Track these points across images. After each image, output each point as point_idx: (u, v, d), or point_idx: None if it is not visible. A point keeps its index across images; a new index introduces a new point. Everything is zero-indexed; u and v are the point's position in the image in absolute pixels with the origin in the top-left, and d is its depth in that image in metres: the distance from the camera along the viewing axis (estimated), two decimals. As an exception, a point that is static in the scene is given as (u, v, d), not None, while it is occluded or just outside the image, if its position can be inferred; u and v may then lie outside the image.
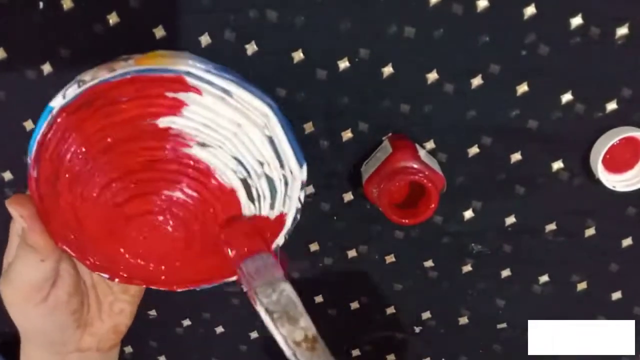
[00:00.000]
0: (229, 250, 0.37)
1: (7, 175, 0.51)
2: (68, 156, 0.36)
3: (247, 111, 0.36)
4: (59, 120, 0.35)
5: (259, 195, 0.38)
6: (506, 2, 0.44)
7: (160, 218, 0.37)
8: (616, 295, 0.56)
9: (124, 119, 0.35)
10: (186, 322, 0.58)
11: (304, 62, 0.47)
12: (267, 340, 0.58)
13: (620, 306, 0.56)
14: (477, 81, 0.47)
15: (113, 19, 0.45)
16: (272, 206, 0.39)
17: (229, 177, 0.37)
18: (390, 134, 0.49)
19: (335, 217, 0.53)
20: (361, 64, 0.47)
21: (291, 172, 0.38)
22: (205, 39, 0.46)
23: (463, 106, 0.48)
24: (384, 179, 0.45)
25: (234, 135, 0.36)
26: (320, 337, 0.33)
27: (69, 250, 0.38)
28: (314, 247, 0.54)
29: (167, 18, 0.45)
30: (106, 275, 0.40)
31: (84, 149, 0.35)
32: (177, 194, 0.36)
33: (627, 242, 0.53)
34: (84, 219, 0.37)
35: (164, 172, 0.36)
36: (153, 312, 0.57)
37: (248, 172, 0.37)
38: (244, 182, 0.37)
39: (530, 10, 0.45)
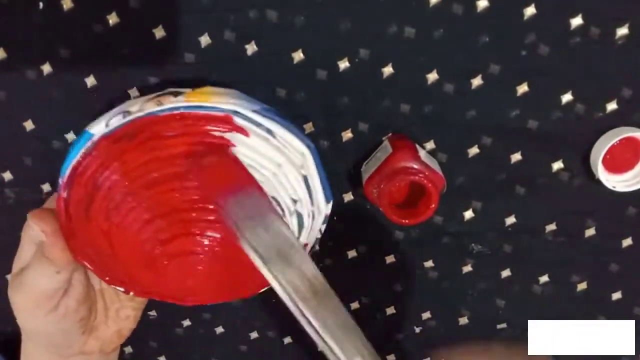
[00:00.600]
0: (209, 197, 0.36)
1: (7, 176, 0.51)
2: (107, 185, 0.35)
3: (287, 151, 0.37)
4: (99, 147, 0.35)
5: None
6: (506, 2, 0.44)
7: (202, 257, 0.37)
8: (616, 295, 0.56)
9: (170, 155, 0.35)
10: (186, 322, 0.58)
11: (304, 62, 0.47)
12: (267, 340, 0.58)
13: (620, 306, 0.56)
14: (477, 81, 0.47)
15: (113, 19, 0.45)
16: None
17: None
18: (390, 134, 0.49)
19: (335, 217, 0.52)
20: (361, 64, 0.47)
21: (318, 207, 0.39)
22: (205, 39, 0.46)
23: (463, 106, 0.48)
24: (384, 179, 0.45)
25: (274, 176, 0.37)
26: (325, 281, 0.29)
27: (89, 266, 0.38)
28: (314, 247, 0.54)
29: (167, 18, 0.45)
30: (122, 289, 0.40)
31: (126, 182, 0.35)
32: (221, 236, 0.36)
33: (627, 242, 0.53)
34: (118, 246, 0.37)
35: (208, 213, 0.36)
36: (153, 312, 0.57)
37: (282, 210, 0.38)
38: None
39: (530, 10, 0.45)
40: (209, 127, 0.35)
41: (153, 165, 0.35)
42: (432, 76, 0.47)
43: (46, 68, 0.47)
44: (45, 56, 0.46)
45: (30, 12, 0.45)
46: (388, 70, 0.47)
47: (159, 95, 0.36)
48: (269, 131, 0.36)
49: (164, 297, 0.41)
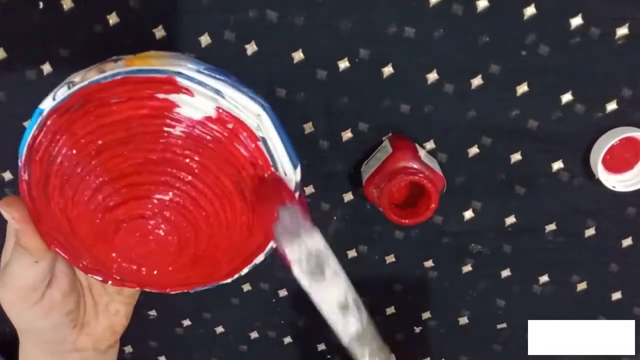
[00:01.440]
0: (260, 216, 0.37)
1: (7, 176, 0.51)
2: (59, 159, 0.35)
3: (239, 112, 0.36)
4: (48, 122, 0.35)
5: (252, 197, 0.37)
6: (506, 2, 0.44)
7: (152, 222, 0.36)
8: (616, 295, 0.56)
9: (115, 121, 0.35)
10: (186, 322, 0.58)
11: (304, 62, 0.47)
12: (267, 340, 0.58)
13: (620, 306, 0.56)
14: (477, 81, 0.47)
15: (113, 19, 0.45)
16: None
17: (221, 180, 0.36)
18: (390, 134, 0.49)
19: (335, 217, 0.52)
20: (361, 64, 0.47)
21: (285, 174, 0.38)
22: (205, 39, 0.46)
23: (463, 106, 0.48)
24: (384, 179, 0.45)
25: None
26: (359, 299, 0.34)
27: (61, 253, 0.38)
28: (314, 247, 0.54)
29: (167, 18, 0.45)
30: (99, 278, 0.40)
31: (74, 151, 0.35)
32: (169, 198, 0.36)
33: (627, 242, 0.53)
34: (75, 223, 0.37)
35: (155, 175, 0.36)
36: (153, 312, 0.57)
37: (240, 174, 0.37)
38: (237, 184, 0.36)
39: (530, 10, 0.45)
40: (151, 91, 0.35)
41: (99, 132, 0.35)
42: (432, 76, 0.47)
43: (46, 68, 0.47)
44: (45, 56, 0.46)
45: (30, 12, 0.45)
46: (388, 70, 0.47)
47: (100, 63, 0.36)
48: (216, 91, 0.35)
49: (128, 281, 0.40)
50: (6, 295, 0.39)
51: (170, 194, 0.36)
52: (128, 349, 0.59)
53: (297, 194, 0.40)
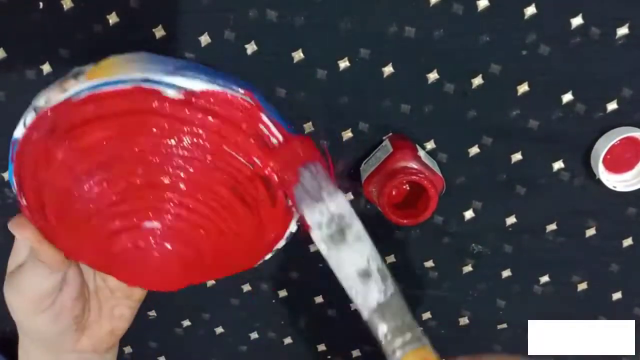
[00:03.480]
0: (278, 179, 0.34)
1: (7, 176, 0.51)
2: (47, 187, 0.33)
3: (220, 109, 0.33)
4: (26, 150, 0.33)
5: (254, 198, 0.34)
6: (506, 2, 0.44)
7: (148, 251, 0.34)
8: (616, 295, 0.56)
9: (88, 145, 0.32)
10: (186, 323, 0.58)
11: (304, 62, 0.47)
12: (267, 340, 0.58)
13: (620, 306, 0.56)
14: (477, 81, 0.47)
15: (113, 19, 0.45)
16: (273, 204, 0.35)
17: (215, 190, 0.33)
18: (390, 134, 0.49)
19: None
20: (361, 64, 0.47)
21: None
22: (205, 39, 0.46)
23: (463, 106, 0.48)
24: (384, 179, 0.45)
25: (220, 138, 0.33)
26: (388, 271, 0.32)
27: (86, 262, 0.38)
28: (313, 247, 0.54)
29: (167, 18, 0.45)
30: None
31: (57, 180, 0.32)
32: (159, 225, 0.33)
33: (627, 242, 0.53)
34: (80, 251, 0.36)
35: (140, 202, 0.32)
36: (153, 313, 0.57)
37: (236, 179, 0.34)
38: (234, 190, 0.34)
39: (530, 10, 0.45)
40: (117, 106, 0.31)
41: (75, 157, 0.32)
42: (432, 76, 0.47)
43: (46, 68, 0.47)
44: (45, 56, 0.46)
45: (30, 12, 0.45)
46: (388, 70, 0.47)
47: (62, 81, 0.33)
48: (190, 92, 0.32)
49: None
50: (16, 301, 0.38)
51: (158, 222, 0.33)
52: (128, 349, 0.59)
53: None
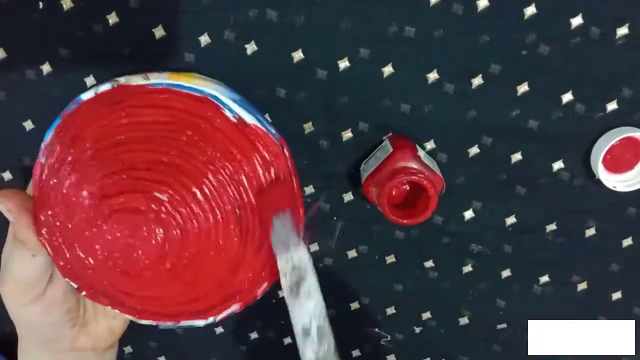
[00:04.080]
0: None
1: (7, 175, 0.51)
2: (79, 144, 0.37)
3: (258, 144, 0.39)
4: (83, 110, 0.37)
5: (248, 229, 0.39)
6: (506, 2, 0.44)
7: (143, 218, 0.37)
8: (616, 295, 0.56)
9: (142, 122, 0.37)
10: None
11: (304, 62, 0.47)
12: (267, 340, 0.58)
13: (620, 306, 0.56)
14: (477, 81, 0.47)
15: (113, 19, 0.45)
16: (258, 250, 0.40)
17: (223, 199, 0.38)
18: (390, 134, 0.49)
19: (335, 217, 0.53)
20: (361, 64, 0.47)
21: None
22: (205, 39, 0.46)
23: (463, 106, 0.48)
24: (384, 179, 0.45)
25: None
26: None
27: (45, 244, 0.39)
28: (314, 247, 0.54)
29: (167, 18, 0.45)
30: (74, 285, 0.40)
31: (96, 141, 0.37)
32: (167, 199, 0.37)
33: (627, 242, 0.53)
34: (72, 206, 0.38)
35: (161, 175, 0.37)
36: (153, 312, 0.57)
37: (242, 200, 0.38)
38: (236, 211, 0.38)
39: (530, 10, 0.45)
40: (185, 104, 0.38)
41: (124, 128, 0.37)
42: (432, 76, 0.47)
43: (46, 68, 0.47)
44: (45, 56, 0.46)
45: (30, 12, 0.45)
46: (388, 70, 0.47)
47: (146, 72, 0.39)
48: (243, 121, 0.39)
49: (101, 294, 0.40)
50: (6, 291, 0.39)
51: (167, 196, 0.37)
52: (128, 349, 0.59)
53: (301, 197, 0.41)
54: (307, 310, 0.35)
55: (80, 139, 0.37)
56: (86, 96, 0.38)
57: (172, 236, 0.38)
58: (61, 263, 0.39)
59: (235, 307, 0.41)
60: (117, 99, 0.37)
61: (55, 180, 0.38)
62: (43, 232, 0.39)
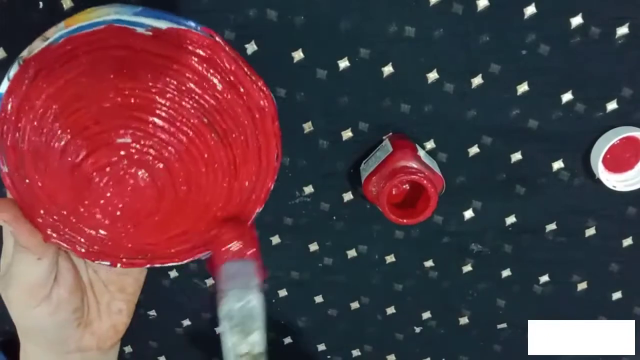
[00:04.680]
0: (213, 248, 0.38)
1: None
2: (26, 137, 0.36)
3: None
4: (9, 104, 0.36)
5: (224, 130, 0.38)
6: (506, 2, 0.44)
7: (121, 167, 0.37)
8: (616, 295, 0.56)
9: (66, 81, 0.36)
10: (186, 322, 0.58)
11: (304, 62, 0.47)
12: (267, 340, 0.58)
13: (620, 306, 0.56)
14: (477, 81, 0.47)
15: (113, 18, 0.45)
16: (246, 145, 0.39)
17: (184, 114, 0.37)
18: (390, 134, 0.49)
19: (335, 217, 0.53)
20: (361, 63, 0.47)
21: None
22: (205, 39, 0.46)
23: (463, 106, 0.48)
24: (383, 178, 0.45)
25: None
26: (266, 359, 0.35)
27: (60, 243, 0.38)
28: (313, 247, 0.54)
29: (167, 18, 0.45)
30: (106, 263, 0.40)
31: (36, 123, 0.36)
32: (131, 140, 0.36)
33: (627, 242, 0.53)
34: (54, 195, 0.37)
35: (112, 120, 0.36)
36: (153, 312, 0.57)
37: (204, 107, 0.37)
38: (203, 118, 0.37)
39: (530, 10, 0.45)
40: (93, 44, 0.36)
41: (54, 97, 0.36)
42: (432, 76, 0.47)
43: (46, 68, 0.47)
44: (45, 56, 0.46)
45: (30, 12, 0.45)
46: (388, 70, 0.47)
47: (43, 33, 0.37)
48: (155, 29, 0.36)
49: (131, 258, 0.40)
50: (12, 294, 0.39)
51: (129, 137, 0.36)
52: (128, 349, 0.59)
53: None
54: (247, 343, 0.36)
55: (24, 132, 0.36)
56: (3, 89, 0.36)
57: (157, 171, 0.37)
58: (83, 250, 0.39)
59: (258, 209, 0.41)
60: (32, 74, 0.36)
61: (27, 180, 0.37)
62: (49, 233, 0.38)
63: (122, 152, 0.36)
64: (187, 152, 0.37)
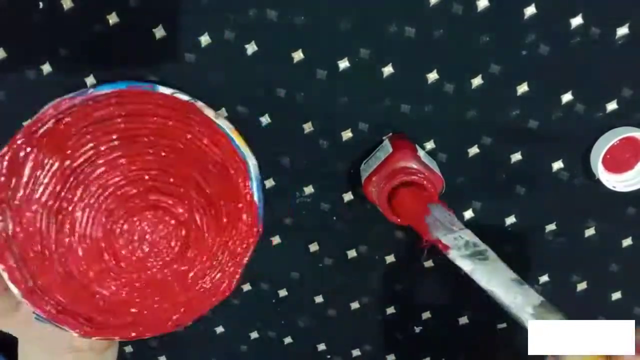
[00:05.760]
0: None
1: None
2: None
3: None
4: None
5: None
6: (506, 2, 0.44)
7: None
8: (616, 295, 0.56)
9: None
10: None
11: (304, 62, 0.47)
12: (267, 340, 0.58)
13: (620, 306, 0.56)
14: (477, 81, 0.47)
15: (113, 19, 0.45)
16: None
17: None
18: (390, 134, 0.49)
19: (335, 217, 0.52)
20: (361, 64, 0.47)
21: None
22: (205, 39, 0.46)
23: (463, 106, 0.48)
24: (383, 179, 0.45)
25: None
26: None
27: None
28: (313, 247, 0.54)
29: (167, 18, 0.45)
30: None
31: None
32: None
33: (627, 242, 0.53)
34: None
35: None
36: (153, 312, 0.57)
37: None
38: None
39: (530, 10, 0.45)
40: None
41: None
42: (432, 76, 0.47)
43: (46, 68, 0.47)
44: (45, 56, 0.46)
45: (30, 12, 0.45)
46: (388, 70, 0.47)
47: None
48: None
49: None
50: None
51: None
52: (128, 348, 0.59)
53: None
54: (507, 267, 0.39)
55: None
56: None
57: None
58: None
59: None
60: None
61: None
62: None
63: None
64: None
